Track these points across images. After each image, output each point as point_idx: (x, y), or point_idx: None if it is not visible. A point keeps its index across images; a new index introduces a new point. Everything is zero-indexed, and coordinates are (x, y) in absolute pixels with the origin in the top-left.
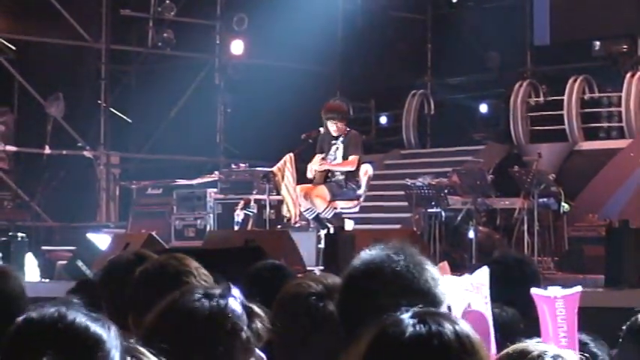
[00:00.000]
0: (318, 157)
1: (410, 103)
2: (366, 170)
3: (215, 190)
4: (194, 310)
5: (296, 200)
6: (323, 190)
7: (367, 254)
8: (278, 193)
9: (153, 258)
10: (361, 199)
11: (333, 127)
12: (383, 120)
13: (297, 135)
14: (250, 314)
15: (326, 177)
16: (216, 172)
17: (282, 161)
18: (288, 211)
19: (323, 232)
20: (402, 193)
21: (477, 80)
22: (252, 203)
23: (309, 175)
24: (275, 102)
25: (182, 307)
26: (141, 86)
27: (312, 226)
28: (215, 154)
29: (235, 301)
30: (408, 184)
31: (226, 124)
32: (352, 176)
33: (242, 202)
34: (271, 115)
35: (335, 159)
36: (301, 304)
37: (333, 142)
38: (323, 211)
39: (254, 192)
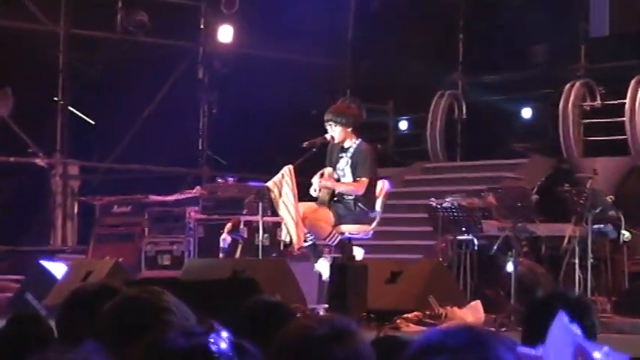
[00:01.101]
0: (327, 170)
1: (436, 106)
2: (382, 187)
3: (196, 208)
4: (174, 353)
5: (298, 221)
6: (327, 212)
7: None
8: (274, 214)
9: (124, 291)
10: (375, 222)
11: (331, 132)
12: (403, 126)
13: (298, 143)
14: (242, 354)
15: (332, 196)
16: (198, 187)
17: (279, 175)
18: (288, 234)
19: (319, 264)
20: (426, 215)
21: (519, 79)
22: (241, 226)
23: (313, 193)
24: (271, 102)
25: (160, 350)
26: (107, 80)
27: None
28: (197, 164)
29: (223, 341)
30: (433, 205)
31: (211, 128)
32: (364, 197)
33: (229, 225)
34: (266, 117)
35: (343, 175)
36: (305, 350)
37: (342, 154)
38: (327, 238)
39: (244, 212)
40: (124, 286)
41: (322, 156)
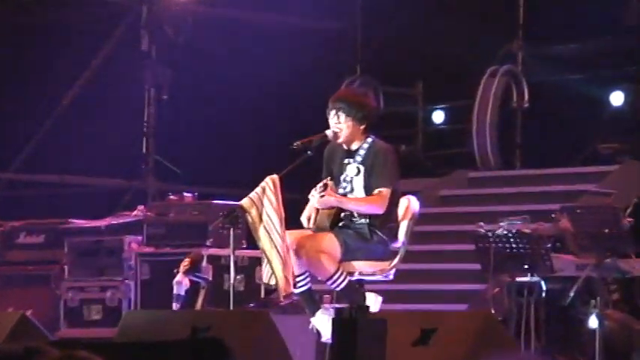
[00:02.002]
0: (326, 184)
1: (486, 89)
2: (407, 207)
3: (139, 238)
4: None
5: (285, 256)
6: (331, 240)
7: None
8: (252, 245)
9: (50, 356)
10: (398, 258)
11: (333, 127)
12: (437, 118)
13: (286, 143)
14: None
15: (337, 218)
16: (142, 207)
17: (258, 189)
18: (272, 275)
19: (317, 319)
20: (471, 247)
21: (606, 50)
22: (204, 263)
23: (305, 222)
24: (248, 85)
25: None
26: (9, 55)
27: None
28: (139, 173)
29: None
30: (482, 232)
31: (160, 122)
32: (382, 219)
33: (187, 261)
34: (240, 108)
35: (351, 190)
36: None
37: (348, 160)
38: (330, 280)
39: (208, 243)
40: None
41: (319, 163)
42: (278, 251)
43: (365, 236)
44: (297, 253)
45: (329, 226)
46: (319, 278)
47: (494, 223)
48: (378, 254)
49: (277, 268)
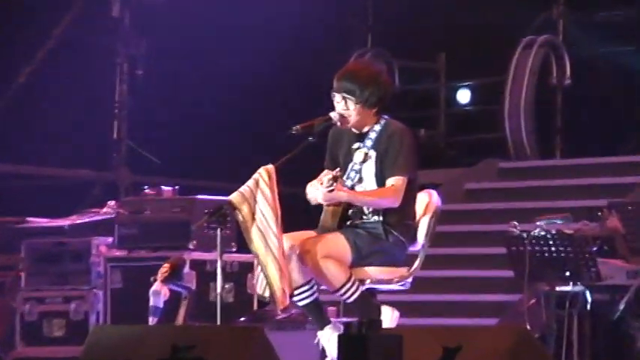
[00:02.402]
0: (326, 174)
1: (520, 64)
2: (428, 204)
3: (109, 239)
4: None
5: (282, 262)
6: (339, 244)
7: None
8: (243, 248)
9: None
10: (418, 262)
11: (340, 110)
12: (462, 97)
13: (284, 128)
14: None
15: (344, 215)
16: (112, 203)
17: (251, 181)
18: (266, 285)
19: (323, 335)
20: (503, 251)
21: None
22: (186, 269)
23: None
24: (240, 58)
25: None
26: None
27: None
28: (110, 163)
29: None
30: (516, 233)
31: (134, 103)
32: (398, 216)
33: (166, 267)
34: (229, 86)
35: (360, 180)
36: None
37: (357, 144)
38: (340, 291)
39: (191, 246)
40: None
41: (322, 150)
42: (274, 256)
43: (379, 237)
44: (301, 259)
45: (338, 223)
46: (327, 288)
47: (529, 222)
48: (395, 258)
49: (274, 276)
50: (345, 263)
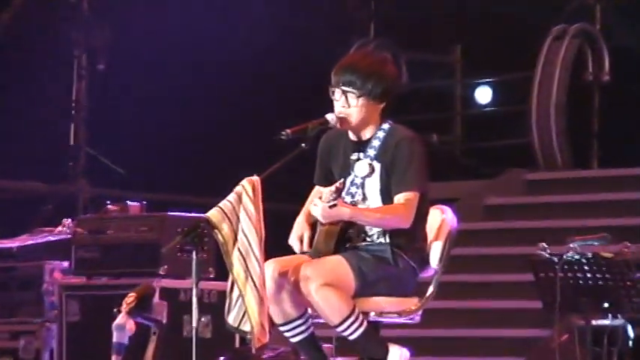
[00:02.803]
0: (320, 191)
1: (550, 57)
2: (441, 222)
3: (64, 264)
4: None
5: (262, 292)
6: (341, 269)
7: None
8: (223, 275)
9: None
10: (430, 291)
11: (340, 109)
12: (482, 96)
13: (271, 133)
14: None
15: (342, 236)
16: (68, 221)
17: (232, 196)
18: (248, 318)
19: None
20: (530, 277)
21: None
22: (155, 299)
23: (295, 244)
24: (220, 51)
25: None
26: None
27: (302, 358)
28: (65, 174)
29: None
30: (545, 256)
31: (95, 104)
32: (408, 238)
33: (132, 297)
34: (207, 82)
35: (363, 197)
36: None
37: (357, 155)
38: (342, 325)
39: (161, 271)
40: None
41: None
42: (255, 284)
43: (387, 262)
44: (297, 286)
45: (335, 246)
46: (327, 322)
47: (561, 244)
48: (404, 287)
49: (252, 308)
50: (347, 292)
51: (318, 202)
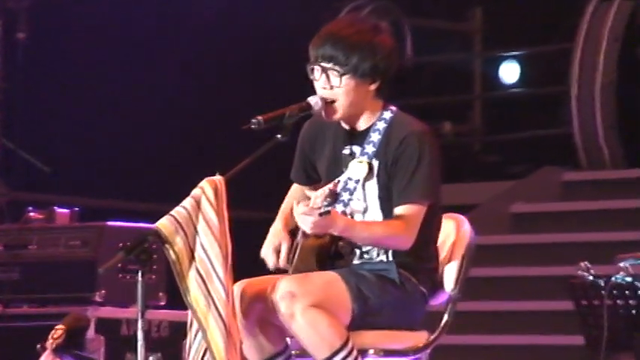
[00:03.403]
0: (300, 189)
1: (594, 26)
2: (456, 235)
3: None
4: None
5: (230, 322)
6: (334, 287)
7: None
8: (176, 302)
9: None
10: (444, 322)
11: (321, 92)
12: (508, 74)
13: (238, 121)
14: None
15: (331, 251)
16: None
17: (188, 201)
18: (210, 354)
19: None
20: (569, 305)
21: None
22: (90, 332)
23: (270, 261)
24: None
25: None
26: None
27: None
28: None
29: None
30: (588, 278)
31: (14, 83)
32: (416, 255)
33: (60, 330)
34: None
35: (363, 210)
36: None
37: (350, 148)
38: None
39: (97, 297)
40: None
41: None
42: (219, 313)
43: (392, 283)
44: (278, 309)
45: (318, 261)
46: (312, 355)
47: (608, 263)
48: (411, 317)
49: (217, 344)
50: (340, 319)
51: (305, 208)
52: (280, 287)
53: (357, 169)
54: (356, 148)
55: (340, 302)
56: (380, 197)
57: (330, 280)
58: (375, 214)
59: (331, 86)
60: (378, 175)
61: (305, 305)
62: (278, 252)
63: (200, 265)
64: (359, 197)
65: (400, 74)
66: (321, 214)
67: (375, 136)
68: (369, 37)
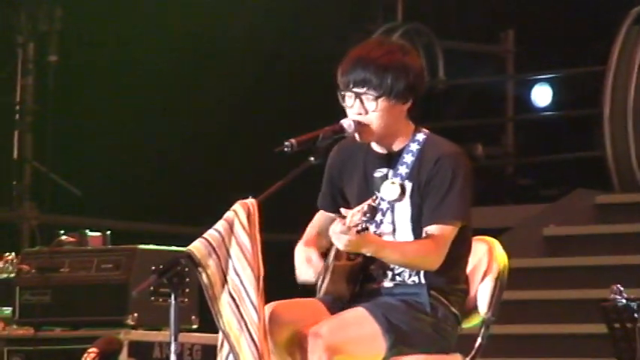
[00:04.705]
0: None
1: (627, 48)
2: (489, 258)
3: (6, 311)
4: None
5: (262, 346)
6: (366, 328)
7: None
8: (207, 325)
9: None
10: (476, 346)
11: (355, 117)
12: (541, 97)
13: (271, 144)
14: None
15: (360, 275)
16: (11, 256)
17: (221, 224)
18: None
19: None
20: (602, 329)
21: None
22: (123, 355)
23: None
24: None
25: None
26: None
27: None
28: (6, 197)
29: None
30: (621, 302)
31: (44, 104)
32: (448, 277)
33: (93, 354)
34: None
35: (393, 229)
36: None
37: (382, 171)
38: None
39: (130, 320)
40: None
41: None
42: (252, 337)
43: (422, 309)
44: (309, 349)
45: (350, 285)
46: None
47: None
48: (444, 342)
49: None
50: (376, 353)
51: (343, 227)
52: (306, 329)
53: (389, 190)
54: (389, 171)
55: (371, 337)
56: (412, 219)
57: (358, 318)
58: (405, 235)
59: (366, 110)
60: (411, 197)
61: (325, 347)
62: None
63: (233, 288)
64: (388, 220)
65: (432, 96)
66: (358, 232)
67: (408, 158)
68: (399, 57)
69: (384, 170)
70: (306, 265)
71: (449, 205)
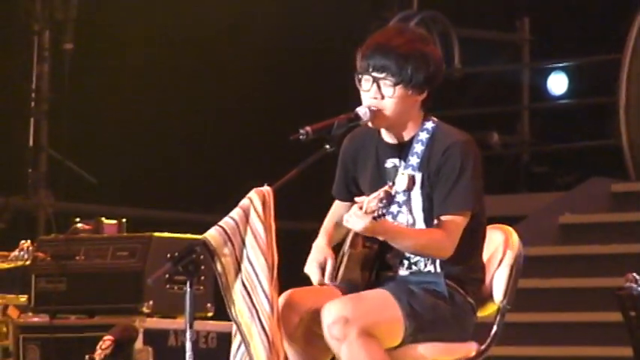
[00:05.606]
0: (343, 207)
1: None
2: (505, 246)
3: (21, 299)
4: None
5: (274, 335)
6: (385, 308)
7: None
8: (223, 313)
9: None
10: (492, 335)
11: (371, 101)
12: (556, 85)
13: (283, 133)
14: None
15: (377, 263)
16: (27, 243)
17: (236, 212)
18: None
19: None
20: (618, 317)
21: None
22: (138, 344)
23: (314, 272)
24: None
25: None
26: None
27: None
28: (22, 184)
29: None
30: (637, 289)
31: (60, 92)
32: (464, 266)
33: (108, 341)
34: (206, 65)
35: (411, 220)
36: None
37: (393, 161)
38: None
39: (145, 308)
40: None
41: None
42: (263, 326)
43: (441, 297)
44: (327, 331)
45: (367, 277)
46: None
47: None
48: (461, 330)
49: (260, 354)
50: (389, 343)
51: (359, 212)
52: (333, 310)
53: (401, 181)
54: (400, 161)
55: (393, 321)
56: (424, 209)
57: (383, 300)
58: (419, 226)
59: (382, 95)
60: (422, 187)
61: (359, 331)
62: (323, 268)
63: (246, 277)
64: (405, 211)
65: (448, 85)
66: (375, 218)
67: (418, 147)
68: (420, 47)
69: (396, 160)
70: (316, 268)
71: (458, 194)
